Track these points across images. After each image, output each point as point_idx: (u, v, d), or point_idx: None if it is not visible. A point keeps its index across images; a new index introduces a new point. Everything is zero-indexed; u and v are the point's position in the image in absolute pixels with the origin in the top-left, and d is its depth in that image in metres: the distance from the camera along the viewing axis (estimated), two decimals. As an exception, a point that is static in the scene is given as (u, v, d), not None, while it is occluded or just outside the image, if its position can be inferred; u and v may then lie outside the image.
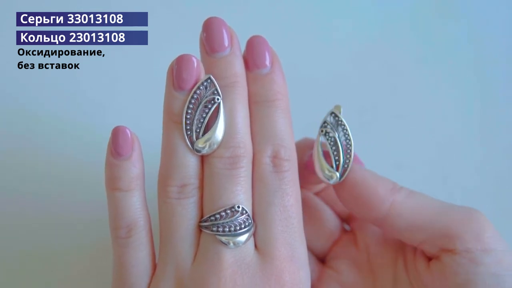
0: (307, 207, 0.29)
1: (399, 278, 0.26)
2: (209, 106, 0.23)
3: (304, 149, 0.28)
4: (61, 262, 0.35)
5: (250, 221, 0.23)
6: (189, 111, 0.23)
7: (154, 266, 0.25)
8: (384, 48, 0.40)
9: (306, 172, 0.27)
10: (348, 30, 0.41)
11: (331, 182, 0.26)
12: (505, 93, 0.40)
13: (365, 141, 0.27)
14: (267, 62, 0.25)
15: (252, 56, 0.25)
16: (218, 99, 0.23)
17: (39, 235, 0.35)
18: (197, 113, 0.23)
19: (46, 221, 0.35)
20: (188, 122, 0.23)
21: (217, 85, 0.23)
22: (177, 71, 0.24)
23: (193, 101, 0.23)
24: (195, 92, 0.23)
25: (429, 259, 0.25)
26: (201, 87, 0.23)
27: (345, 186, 0.26)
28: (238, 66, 0.25)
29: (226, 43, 0.24)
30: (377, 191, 0.25)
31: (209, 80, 0.23)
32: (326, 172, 0.26)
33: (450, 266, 0.23)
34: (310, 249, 0.30)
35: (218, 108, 0.23)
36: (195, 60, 0.24)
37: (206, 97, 0.23)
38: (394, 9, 0.42)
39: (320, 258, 0.30)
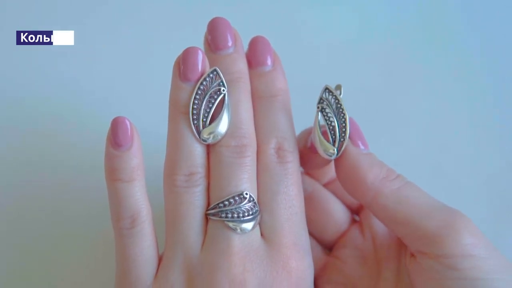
0: (316, 198, 0.30)
1: (402, 271, 0.26)
2: (215, 97, 0.24)
3: (306, 137, 0.28)
4: (63, 258, 0.34)
5: (256, 208, 0.24)
6: (196, 101, 0.24)
7: (158, 257, 0.25)
8: (384, 49, 0.41)
9: (312, 155, 0.27)
10: (349, 30, 0.41)
11: (329, 156, 0.25)
12: (507, 95, 0.40)
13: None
14: (270, 60, 0.26)
15: (255, 54, 0.26)
16: (223, 90, 0.24)
17: (40, 229, 0.35)
18: (204, 103, 0.24)
19: (43, 214, 0.35)
20: (194, 112, 0.24)
21: (222, 77, 0.24)
22: (183, 63, 0.24)
23: (199, 91, 0.24)
24: (201, 83, 0.24)
25: (412, 254, 0.25)
26: (207, 79, 0.24)
27: (340, 166, 0.26)
28: (242, 64, 0.26)
29: (230, 42, 0.26)
30: (365, 178, 0.24)
31: (214, 72, 0.24)
32: (324, 148, 0.25)
33: (425, 270, 0.23)
34: (318, 239, 0.30)
35: (223, 99, 0.24)
36: (200, 52, 0.24)
37: (212, 88, 0.24)
38: (396, 10, 0.42)
39: (328, 248, 0.30)
